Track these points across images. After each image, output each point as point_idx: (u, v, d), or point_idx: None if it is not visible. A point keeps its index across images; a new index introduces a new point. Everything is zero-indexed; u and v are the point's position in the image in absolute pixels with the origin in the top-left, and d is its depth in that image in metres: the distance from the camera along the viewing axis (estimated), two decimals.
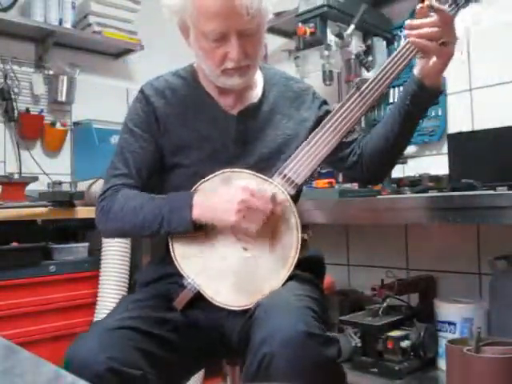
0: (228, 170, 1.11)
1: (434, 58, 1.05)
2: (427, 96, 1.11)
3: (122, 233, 1.26)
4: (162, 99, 1.19)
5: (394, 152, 1.23)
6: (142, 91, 1.22)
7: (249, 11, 1.02)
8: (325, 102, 1.30)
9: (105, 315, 1.10)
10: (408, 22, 1.06)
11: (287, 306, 0.94)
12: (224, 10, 1.02)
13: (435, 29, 1.02)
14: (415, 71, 1.10)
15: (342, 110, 1.13)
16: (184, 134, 1.18)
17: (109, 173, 1.19)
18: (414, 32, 1.03)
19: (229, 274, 1.07)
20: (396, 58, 1.10)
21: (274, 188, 1.08)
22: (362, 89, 1.11)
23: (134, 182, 1.17)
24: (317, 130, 1.14)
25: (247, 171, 1.11)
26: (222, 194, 1.06)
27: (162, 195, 1.15)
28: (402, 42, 1.11)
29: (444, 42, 1.03)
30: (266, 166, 1.15)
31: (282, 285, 1.04)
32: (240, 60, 1.09)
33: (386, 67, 1.11)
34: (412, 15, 2.19)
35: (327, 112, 1.22)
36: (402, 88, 2.18)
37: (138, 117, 1.19)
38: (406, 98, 1.12)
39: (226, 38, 1.07)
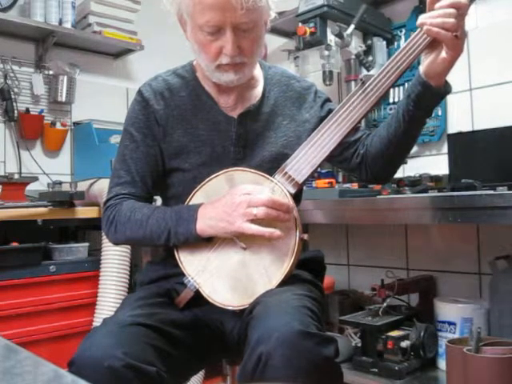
0: (232, 168, 1.10)
1: (444, 53, 1.02)
2: (433, 96, 1.09)
3: (132, 243, 1.25)
4: (162, 101, 1.18)
5: (398, 155, 1.22)
6: (140, 93, 1.20)
7: (243, 5, 1.02)
8: (328, 100, 1.28)
9: (105, 315, 1.10)
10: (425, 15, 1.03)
11: (284, 306, 0.94)
12: (219, 1, 1.02)
13: (452, 20, 1.00)
14: (421, 71, 1.08)
15: (345, 108, 1.10)
16: (183, 138, 1.16)
17: (112, 181, 1.18)
18: (431, 21, 1.01)
19: (227, 273, 1.06)
20: (403, 52, 1.07)
21: (274, 186, 1.07)
22: (366, 85, 1.09)
23: (139, 191, 1.17)
24: (319, 127, 1.11)
25: (251, 170, 1.10)
26: (221, 204, 1.05)
27: (163, 207, 1.15)
28: (414, 34, 1.06)
29: (457, 36, 1.01)
30: (267, 168, 1.13)
31: (279, 285, 1.03)
32: (234, 55, 1.07)
33: (391, 62, 1.08)
34: (413, 15, 2.19)
35: (330, 111, 1.19)
36: (402, 88, 2.21)
37: (139, 121, 1.18)
38: (410, 101, 1.10)
39: (221, 32, 1.06)
